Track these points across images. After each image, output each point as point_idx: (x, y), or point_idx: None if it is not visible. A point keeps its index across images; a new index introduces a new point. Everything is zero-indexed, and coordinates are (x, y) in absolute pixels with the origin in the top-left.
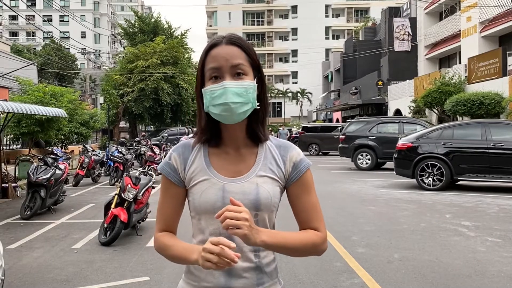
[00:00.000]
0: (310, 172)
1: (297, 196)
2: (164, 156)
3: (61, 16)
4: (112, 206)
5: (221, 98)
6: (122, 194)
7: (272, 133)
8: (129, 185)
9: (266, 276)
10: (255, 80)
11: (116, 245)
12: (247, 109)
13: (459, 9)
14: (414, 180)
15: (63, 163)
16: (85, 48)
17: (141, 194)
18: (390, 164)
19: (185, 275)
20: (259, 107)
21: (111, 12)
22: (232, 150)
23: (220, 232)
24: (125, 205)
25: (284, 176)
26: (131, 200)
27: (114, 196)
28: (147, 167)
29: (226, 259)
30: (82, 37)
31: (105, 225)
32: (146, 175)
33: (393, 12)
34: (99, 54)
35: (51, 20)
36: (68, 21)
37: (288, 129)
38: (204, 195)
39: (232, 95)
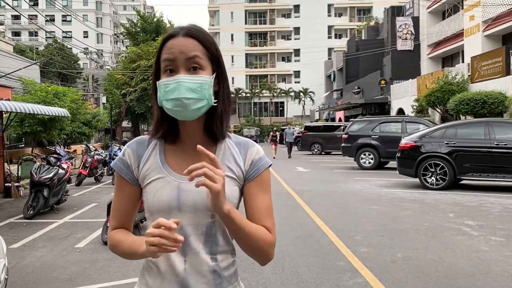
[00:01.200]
0: (268, 172)
1: (253, 195)
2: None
3: (63, 16)
4: None
5: (174, 93)
6: None
7: (277, 132)
8: None
9: (225, 280)
10: (214, 75)
11: None
12: (202, 105)
13: (462, 8)
14: (417, 180)
15: (66, 163)
16: (87, 48)
17: None
18: (393, 164)
19: (139, 281)
20: (216, 104)
21: (114, 11)
22: (189, 147)
23: (176, 230)
24: None
25: (243, 175)
26: None
27: None
28: None
29: (169, 240)
30: (84, 36)
31: (108, 224)
32: None
33: (396, 11)
34: (102, 54)
35: (53, 20)
36: (70, 21)
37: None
38: (158, 194)
39: (186, 91)
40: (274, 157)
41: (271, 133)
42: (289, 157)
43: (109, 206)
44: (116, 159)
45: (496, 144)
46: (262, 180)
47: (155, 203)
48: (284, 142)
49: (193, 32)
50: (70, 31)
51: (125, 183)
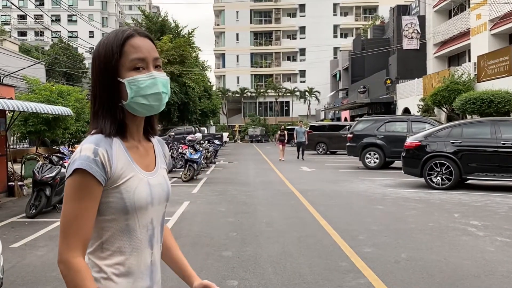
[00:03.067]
0: None
1: None
2: (171, 156)
3: (69, 16)
4: None
5: (153, 88)
6: None
7: (285, 131)
8: None
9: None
10: None
11: None
12: (167, 100)
13: (469, 7)
14: (422, 179)
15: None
16: (93, 48)
17: None
18: (398, 163)
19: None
20: None
21: (119, 11)
22: (138, 144)
23: (148, 225)
24: None
25: (167, 168)
26: None
27: None
28: None
29: None
30: (90, 36)
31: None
32: None
33: (402, 10)
34: None
35: (59, 20)
36: (76, 21)
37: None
38: (138, 192)
39: (161, 86)
40: (281, 159)
41: (279, 132)
42: (302, 159)
43: None
44: (82, 160)
45: (502, 144)
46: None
47: (137, 200)
48: (293, 142)
49: (148, 35)
50: (76, 31)
51: (97, 186)
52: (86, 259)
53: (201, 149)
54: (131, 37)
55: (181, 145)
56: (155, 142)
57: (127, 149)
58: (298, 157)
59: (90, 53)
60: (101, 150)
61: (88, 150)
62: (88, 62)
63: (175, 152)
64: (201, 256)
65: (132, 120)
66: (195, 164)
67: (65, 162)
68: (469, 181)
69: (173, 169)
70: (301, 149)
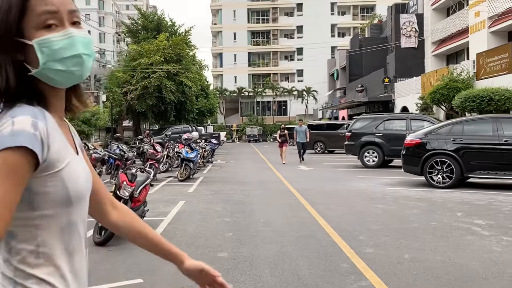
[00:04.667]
0: None
1: (89, 166)
2: (167, 155)
3: None
4: None
5: (71, 50)
6: (118, 192)
7: (285, 131)
8: (125, 182)
9: None
10: None
11: (111, 245)
12: (92, 64)
13: (467, 4)
14: (422, 178)
15: None
16: None
17: (137, 191)
18: (397, 162)
19: None
20: None
21: (116, 11)
22: (61, 121)
23: (85, 219)
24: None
25: None
26: (127, 198)
27: None
28: (148, 164)
29: None
30: None
31: (99, 224)
32: (143, 172)
33: (400, 8)
34: (104, 53)
35: None
36: None
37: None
38: (81, 179)
39: (82, 46)
40: (284, 162)
41: (279, 131)
42: (301, 160)
43: None
44: (20, 134)
45: (504, 141)
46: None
47: (80, 189)
48: (291, 142)
49: None
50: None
51: (31, 168)
52: (8, 271)
53: (197, 148)
54: None
55: (177, 144)
56: (67, 122)
57: (59, 127)
58: (301, 161)
59: None
60: (40, 124)
61: (24, 123)
62: None
63: (171, 151)
64: (195, 258)
65: (52, 92)
66: (191, 163)
67: None
68: (470, 179)
69: (170, 169)
70: (301, 150)
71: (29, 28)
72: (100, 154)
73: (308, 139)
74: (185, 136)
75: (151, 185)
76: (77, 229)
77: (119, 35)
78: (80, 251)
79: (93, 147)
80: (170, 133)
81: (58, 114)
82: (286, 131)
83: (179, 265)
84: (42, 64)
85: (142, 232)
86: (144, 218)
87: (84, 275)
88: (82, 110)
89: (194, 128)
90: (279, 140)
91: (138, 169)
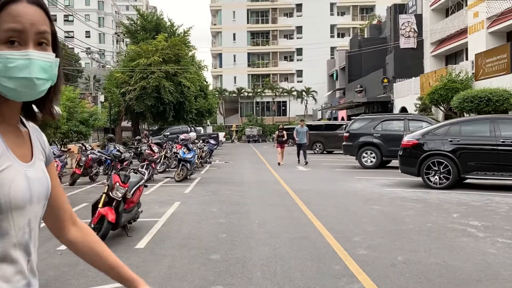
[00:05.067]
0: None
1: (54, 177)
2: (164, 156)
3: (65, 16)
4: (100, 205)
5: (24, 72)
6: (110, 193)
7: (284, 131)
8: (118, 183)
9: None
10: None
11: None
12: (48, 86)
13: (466, 5)
14: (419, 179)
15: (56, 161)
16: (89, 48)
17: (131, 193)
18: (395, 163)
19: None
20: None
21: (116, 11)
22: (12, 129)
23: (24, 227)
24: (113, 204)
25: (45, 160)
26: (120, 199)
27: (101, 195)
28: (145, 165)
29: None
30: (86, 36)
31: (92, 226)
32: (136, 173)
33: (399, 9)
34: (103, 54)
35: (55, 20)
36: (72, 21)
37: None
38: (14, 187)
39: (38, 70)
40: (281, 163)
41: (277, 132)
42: (305, 162)
43: (93, 206)
44: None
45: (502, 142)
46: (54, 164)
47: (12, 197)
48: (290, 142)
49: (40, 2)
50: (72, 31)
51: None
52: None
53: (194, 148)
54: (14, 2)
55: (175, 145)
56: (30, 128)
57: (0, 134)
58: (299, 162)
59: (87, 53)
60: None
61: None
62: (84, 62)
63: (168, 151)
64: (187, 260)
65: (4, 100)
66: (188, 164)
67: (55, 162)
68: (467, 180)
69: (167, 169)
70: (301, 151)
71: None
72: (96, 154)
73: (308, 141)
74: (182, 136)
75: (145, 186)
76: (9, 237)
77: (118, 35)
78: (13, 261)
79: (90, 148)
80: (168, 133)
81: (9, 121)
82: (284, 132)
83: None
84: None
85: (102, 254)
86: (138, 219)
87: (16, 285)
88: (45, 120)
89: (192, 128)
90: (277, 140)
91: (132, 170)
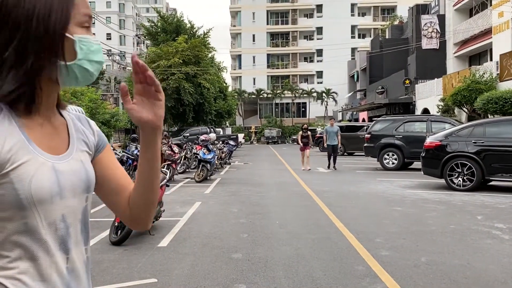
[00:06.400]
0: None
1: (112, 163)
2: (184, 156)
3: None
4: None
5: (98, 56)
6: None
7: (308, 132)
8: None
9: (89, 272)
10: None
11: (127, 244)
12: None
13: (490, 5)
14: (442, 180)
15: None
16: (110, 50)
17: None
18: (417, 164)
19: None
20: None
21: (136, 13)
22: (45, 120)
23: (57, 223)
24: None
25: (93, 148)
26: None
27: None
28: (165, 165)
29: None
30: (107, 38)
31: (116, 224)
32: None
33: (421, 9)
34: (124, 55)
35: None
36: (94, 23)
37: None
38: (36, 181)
39: (102, 55)
40: (308, 169)
41: (301, 132)
42: (334, 168)
43: None
44: None
45: None
46: (109, 147)
47: (34, 192)
48: (321, 146)
49: None
50: (94, 33)
51: None
52: None
53: (214, 149)
54: None
55: (195, 146)
56: (69, 119)
57: (21, 126)
58: (329, 167)
59: (108, 56)
60: None
61: None
62: (105, 64)
63: (188, 152)
64: (209, 258)
65: (46, 89)
66: (208, 165)
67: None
68: (492, 182)
69: (187, 170)
70: (332, 155)
71: (71, 23)
72: (119, 155)
73: (339, 142)
74: (202, 137)
75: (167, 186)
76: (38, 234)
77: (139, 37)
78: (46, 258)
79: (112, 148)
80: (188, 134)
81: (43, 112)
82: (309, 132)
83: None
84: (78, 60)
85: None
86: (160, 219)
87: (52, 285)
88: (64, 107)
89: (212, 129)
90: (301, 142)
91: None
